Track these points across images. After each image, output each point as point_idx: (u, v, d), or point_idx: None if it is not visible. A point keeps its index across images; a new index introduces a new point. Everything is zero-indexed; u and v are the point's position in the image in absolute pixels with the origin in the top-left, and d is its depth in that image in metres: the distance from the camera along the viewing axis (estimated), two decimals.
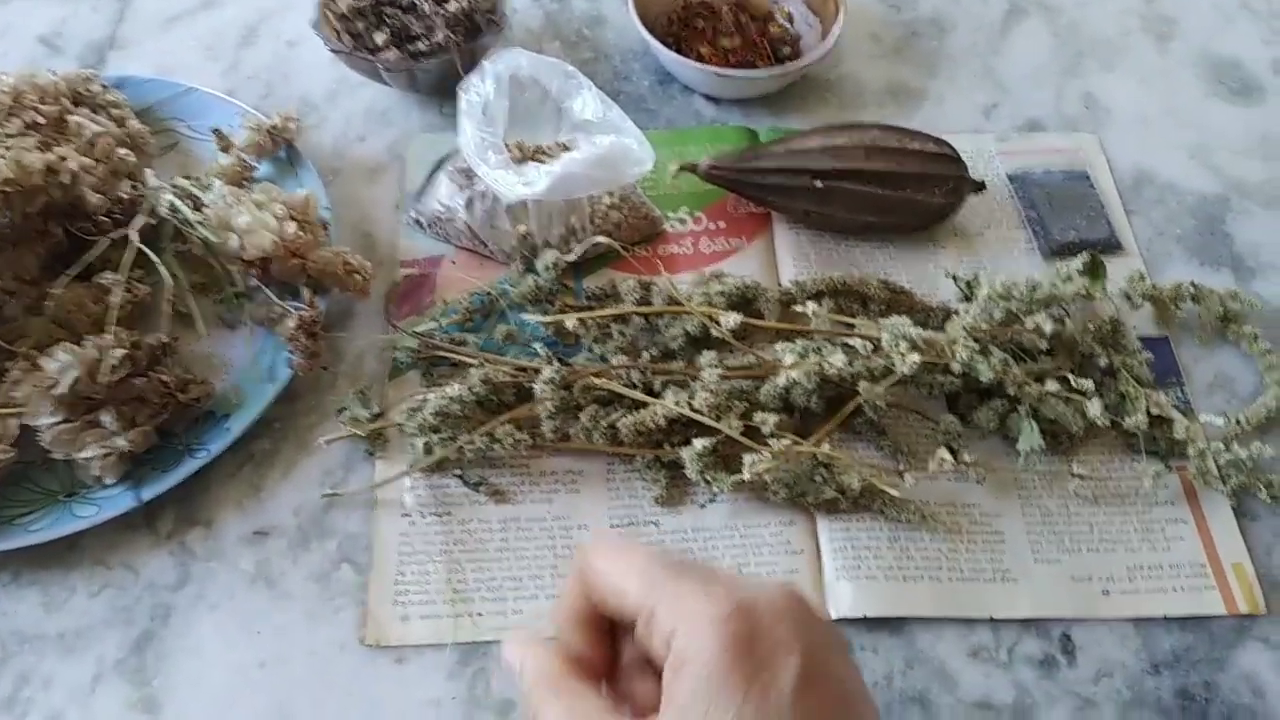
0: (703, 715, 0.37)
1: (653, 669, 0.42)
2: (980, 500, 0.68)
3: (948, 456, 0.65)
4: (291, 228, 0.69)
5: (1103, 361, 0.71)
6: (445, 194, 0.77)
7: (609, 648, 0.45)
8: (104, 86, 0.79)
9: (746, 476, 0.62)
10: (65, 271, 0.69)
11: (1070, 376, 0.67)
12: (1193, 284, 0.77)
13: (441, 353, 0.71)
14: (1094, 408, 0.66)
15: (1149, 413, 0.69)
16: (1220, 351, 0.77)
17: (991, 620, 0.64)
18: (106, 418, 0.65)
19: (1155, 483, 0.67)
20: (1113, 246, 0.82)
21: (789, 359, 0.66)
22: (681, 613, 0.39)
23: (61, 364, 0.63)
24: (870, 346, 0.66)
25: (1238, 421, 0.71)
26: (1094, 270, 0.74)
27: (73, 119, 0.73)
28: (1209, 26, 1.00)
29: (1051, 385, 0.67)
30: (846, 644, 0.42)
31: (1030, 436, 0.67)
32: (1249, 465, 0.68)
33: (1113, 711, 0.61)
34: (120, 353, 0.64)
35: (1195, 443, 0.69)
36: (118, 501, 0.64)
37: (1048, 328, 0.67)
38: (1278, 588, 0.66)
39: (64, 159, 0.68)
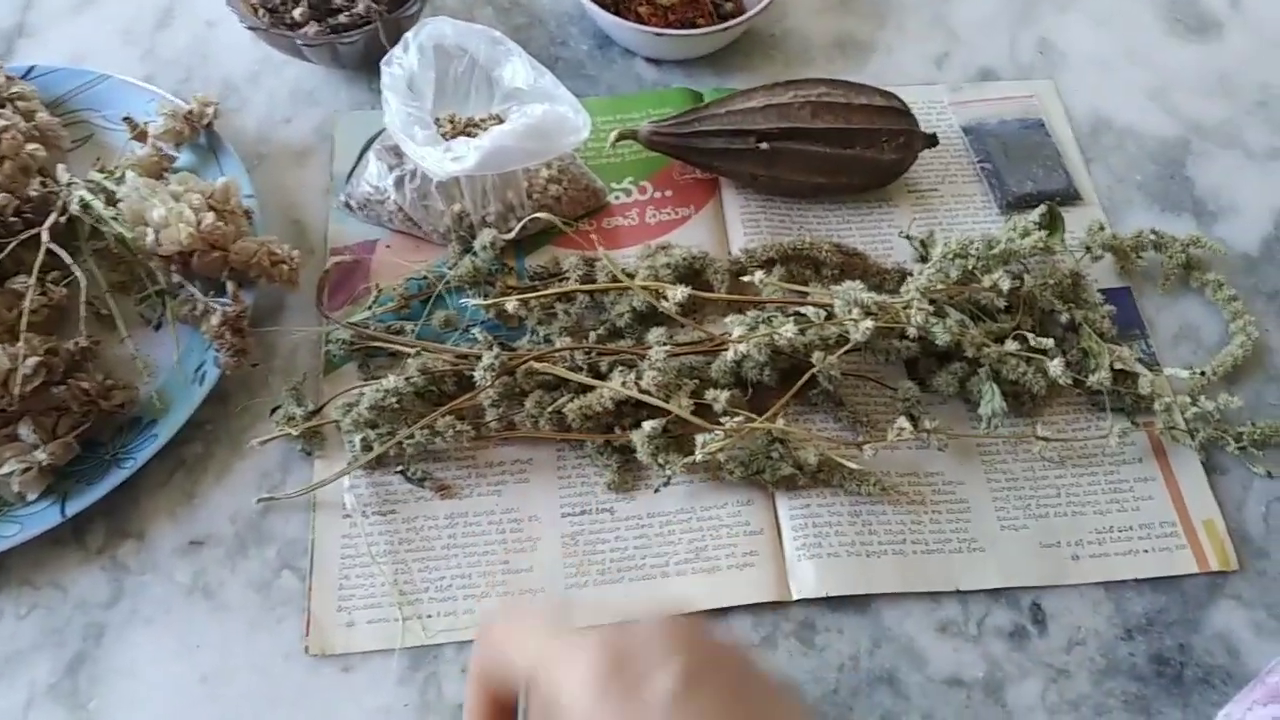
0: None
1: None
2: (943, 468, 0.66)
3: (907, 425, 0.63)
4: (209, 218, 0.65)
5: (1063, 317, 0.69)
6: (375, 174, 0.73)
7: None
8: (9, 78, 0.76)
9: (699, 457, 0.60)
10: None
11: (1030, 335, 0.65)
12: (1153, 231, 0.75)
13: (377, 343, 0.68)
14: (1056, 367, 0.64)
15: (1113, 368, 0.67)
16: (1184, 300, 0.75)
17: (959, 592, 0.62)
18: (24, 430, 0.62)
19: (1121, 441, 0.65)
20: (1071, 196, 0.79)
21: (738, 331, 0.64)
22: (553, 664, 0.38)
23: None
24: (823, 314, 0.63)
25: (1203, 373, 0.69)
26: (1052, 223, 0.72)
27: None
28: None
29: (1011, 345, 0.65)
30: (742, 657, 0.41)
31: (992, 400, 0.65)
32: (1216, 417, 0.67)
33: (1086, 680, 0.60)
34: (35, 360, 0.61)
35: (1161, 397, 0.67)
36: (42, 518, 0.61)
37: (1005, 285, 0.65)
38: (1250, 542, 0.65)
39: None
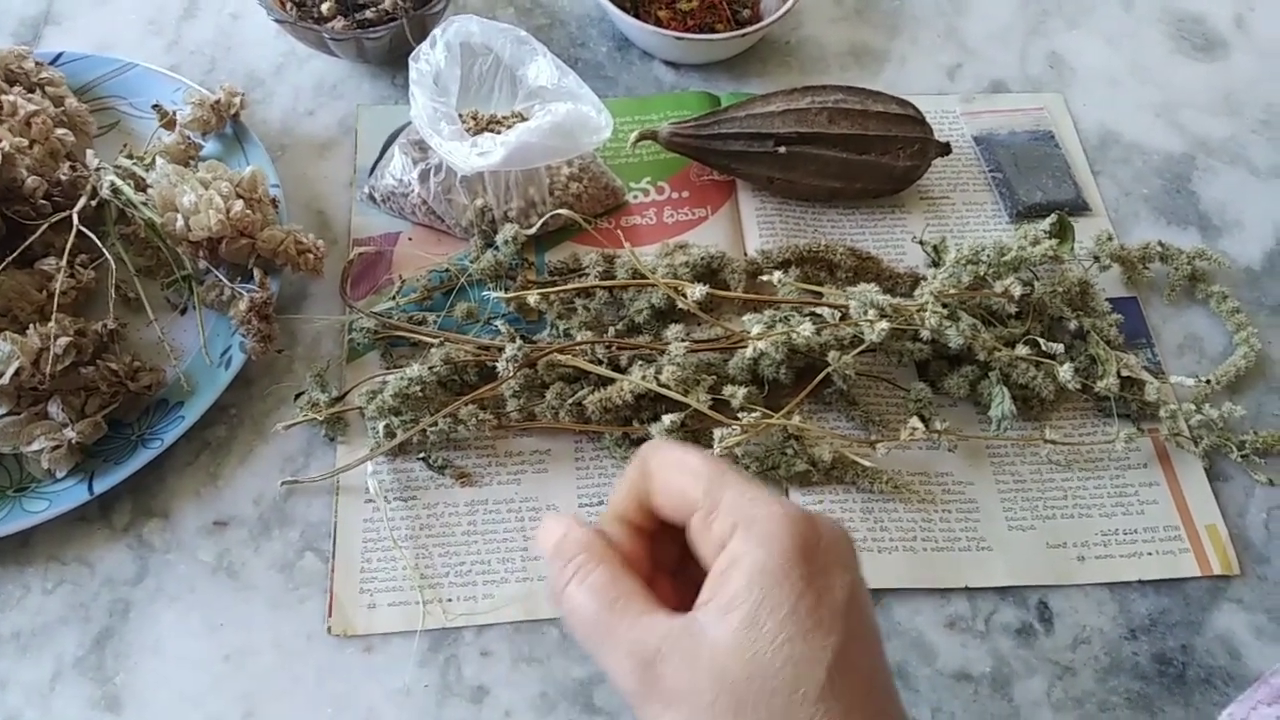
0: (756, 605, 0.38)
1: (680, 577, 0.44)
2: (953, 469, 0.68)
3: (919, 425, 0.64)
4: (238, 206, 0.66)
5: (1072, 324, 0.71)
6: (399, 168, 0.74)
7: (647, 551, 0.45)
8: (39, 64, 0.76)
9: (716, 451, 0.61)
10: (4, 257, 0.66)
11: (1040, 340, 0.66)
12: (1160, 243, 0.77)
13: (400, 333, 0.69)
14: (1065, 372, 0.65)
15: (1120, 375, 0.68)
16: (1189, 311, 0.77)
17: (967, 590, 0.64)
18: (54, 408, 0.63)
19: (1127, 446, 0.67)
20: (1080, 207, 0.81)
21: (756, 329, 0.65)
22: (748, 512, 0.40)
23: (4, 354, 0.61)
24: (838, 315, 0.65)
25: (1208, 382, 0.70)
26: (1062, 232, 0.73)
27: (6, 98, 0.71)
28: None
29: (1021, 350, 0.66)
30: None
31: (1002, 403, 0.66)
32: (1220, 426, 0.68)
33: (1091, 678, 0.61)
34: (65, 341, 0.62)
35: (1166, 404, 0.68)
36: (70, 495, 0.62)
37: (1017, 291, 0.66)
38: (1251, 548, 0.66)
39: None
